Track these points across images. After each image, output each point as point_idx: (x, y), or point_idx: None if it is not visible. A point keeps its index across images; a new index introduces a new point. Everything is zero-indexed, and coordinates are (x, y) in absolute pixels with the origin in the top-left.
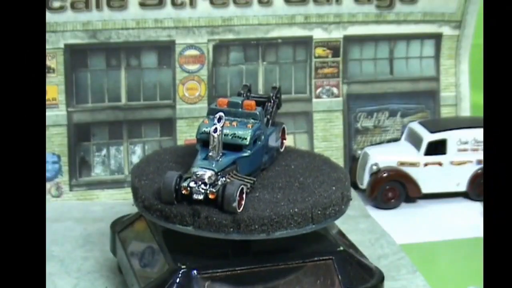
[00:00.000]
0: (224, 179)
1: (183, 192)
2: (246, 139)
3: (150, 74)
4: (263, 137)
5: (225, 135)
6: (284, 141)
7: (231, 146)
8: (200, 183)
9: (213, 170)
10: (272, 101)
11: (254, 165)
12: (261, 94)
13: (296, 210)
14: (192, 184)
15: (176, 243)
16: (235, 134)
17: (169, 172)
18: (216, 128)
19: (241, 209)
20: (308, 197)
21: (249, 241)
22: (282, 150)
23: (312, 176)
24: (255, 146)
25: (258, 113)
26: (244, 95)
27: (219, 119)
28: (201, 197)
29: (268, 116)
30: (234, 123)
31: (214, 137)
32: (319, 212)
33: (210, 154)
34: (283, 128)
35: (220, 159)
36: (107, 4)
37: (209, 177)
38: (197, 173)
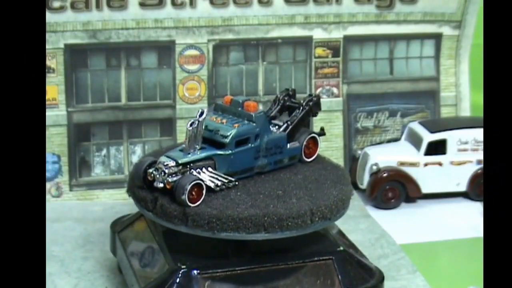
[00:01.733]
0: (193, 171)
1: (148, 178)
2: (226, 137)
3: (150, 74)
4: (257, 140)
5: (210, 130)
6: (309, 150)
7: (213, 142)
8: (161, 171)
9: (175, 160)
10: (301, 108)
11: (238, 166)
12: (298, 101)
13: (247, 214)
14: (154, 172)
15: (176, 243)
16: (218, 131)
17: (144, 157)
18: (192, 122)
19: (196, 203)
20: (278, 206)
21: (249, 241)
22: (308, 160)
23: (307, 189)
24: (241, 147)
25: (253, 115)
26: (281, 99)
27: (201, 114)
28: (160, 185)
29: (289, 122)
30: (224, 121)
31: (188, 130)
32: (274, 222)
33: (184, 146)
34: (312, 138)
35: (194, 152)
36: (107, 4)
37: (170, 167)
38: (161, 161)
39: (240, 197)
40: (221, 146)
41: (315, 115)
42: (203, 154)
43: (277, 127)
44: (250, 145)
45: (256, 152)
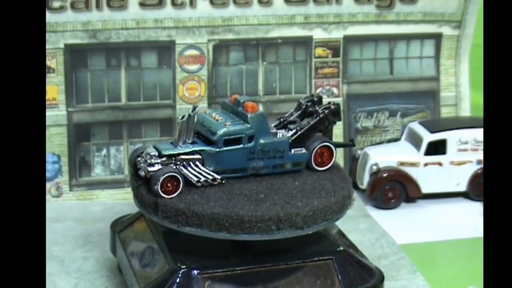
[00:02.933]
0: (178, 164)
1: (137, 165)
2: (215, 134)
3: (150, 74)
4: (252, 141)
5: (204, 126)
6: (321, 159)
7: (205, 138)
8: (144, 160)
9: (158, 151)
10: (315, 114)
11: (227, 165)
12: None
13: (210, 212)
14: (140, 160)
15: (176, 243)
16: (210, 128)
17: (139, 146)
18: (183, 116)
19: (171, 195)
20: (246, 208)
21: (249, 241)
22: (320, 168)
23: (291, 196)
24: (231, 146)
25: (248, 116)
26: (303, 104)
27: (193, 109)
28: (142, 173)
29: (298, 128)
30: (220, 118)
31: (177, 124)
32: (236, 223)
33: (174, 138)
34: (325, 147)
35: (183, 146)
36: (107, 4)
37: (152, 157)
38: (146, 151)
39: (216, 195)
40: (210, 142)
41: (331, 123)
42: (188, 149)
43: (288, 131)
44: (242, 145)
45: (249, 153)
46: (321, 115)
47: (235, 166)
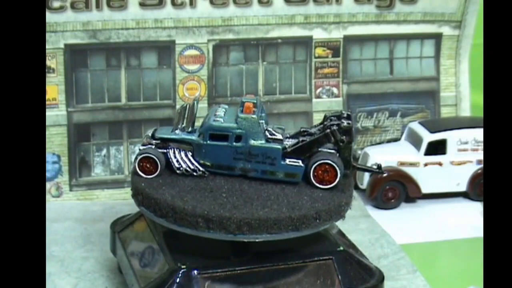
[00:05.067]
0: (171, 149)
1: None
2: (201, 127)
3: (150, 74)
4: (241, 141)
5: (206, 117)
6: (322, 176)
7: None
8: (143, 141)
9: (153, 134)
10: (318, 131)
11: (212, 159)
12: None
13: (162, 200)
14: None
15: (176, 243)
16: (205, 120)
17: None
18: (182, 105)
19: (150, 176)
20: (202, 205)
21: (249, 242)
22: (319, 185)
23: (261, 199)
24: (217, 142)
25: (239, 116)
26: (328, 118)
27: (194, 99)
28: (137, 150)
29: (301, 139)
30: (219, 114)
31: (176, 111)
32: (180, 216)
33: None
34: (328, 164)
35: (177, 133)
36: (107, 4)
37: (146, 137)
38: (147, 132)
39: (185, 185)
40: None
41: (340, 142)
42: (178, 136)
43: (295, 141)
44: (228, 143)
45: (236, 153)
46: (326, 131)
47: (221, 162)
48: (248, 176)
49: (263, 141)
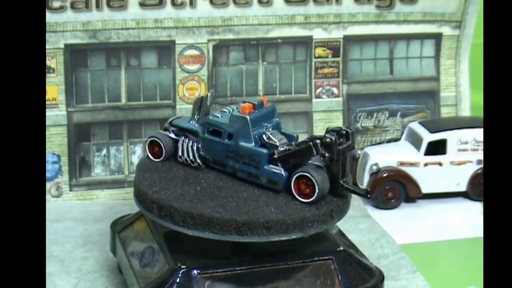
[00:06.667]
0: (182, 137)
1: None
2: (202, 120)
3: (150, 74)
4: (231, 140)
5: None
6: (301, 188)
7: None
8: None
9: (171, 122)
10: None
11: (209, 153)
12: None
13: (149, 195)
14: None
15: (176, 243)
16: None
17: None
18: (199, 96)
19: (157, 159)
20: (179, 202)
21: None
22: (299, 198)
23: (236, 199)
24: (212, 137)
25: (231, 114)
26: (328, 131)
27: (209, 92)
28: None
29: (287, 148)
30: (228, 111)
31: (194, 102)
32: (162, 210)
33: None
34: (306, 177)
35: (192, 123)
36: (107, 4)
37: (167, 123)
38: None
39: (173, 175)
40: None
41: (322, 157)
42: (187, 126)
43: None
44: (221, 140)
45: (227, 151)
46: (308, 143)
47: (215, 157)
48: (237, 176)
49: (251, 143)
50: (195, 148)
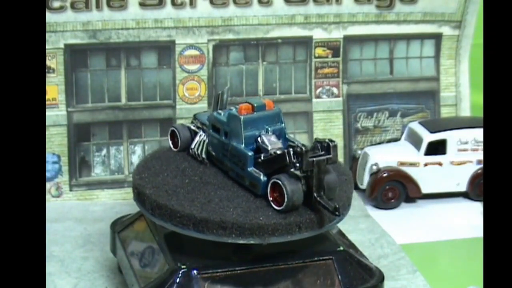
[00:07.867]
0: (200, 131)
1: None
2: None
3: (150, 74)
4: (227, 138)
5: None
6: (275, 195)
7: None
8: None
9: (195, 115)
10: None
11: (213, 149)
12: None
13: (136, 183)
14: None
15: (176, 243)
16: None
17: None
18: (218, 92)
19: (175, 149)
20: (168, 198)
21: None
22: (273, 206)
23: (224, 200)
24: (215, 133)
25: (227, 113)
26: (316, 142)
27: (225, 87)
28: None
29: (269, 154)
30: (232, 108)
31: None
32: (153, 207)
33: None
34: (278, 185)
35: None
36: (107, 4)
37: (193, 116)
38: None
39: (175, 166)
40: None
41: (294, 166)
42: (204, 120)
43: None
44: (218, 135)
45: (223, 149)
46: (284, 150)
47: (217, 154)
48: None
49: (242, 144)
50: (204, 143)
